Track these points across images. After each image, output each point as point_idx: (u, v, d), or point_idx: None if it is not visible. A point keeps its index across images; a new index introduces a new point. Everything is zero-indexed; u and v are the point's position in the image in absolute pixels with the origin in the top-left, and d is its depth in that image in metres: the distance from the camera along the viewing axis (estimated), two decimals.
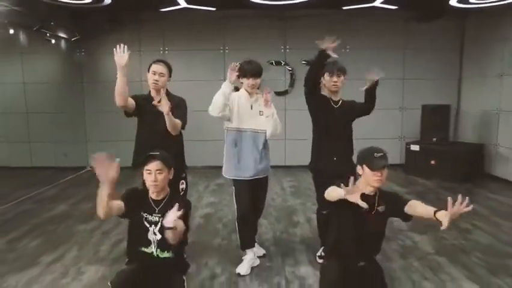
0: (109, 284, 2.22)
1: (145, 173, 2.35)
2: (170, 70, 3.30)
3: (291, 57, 7.80)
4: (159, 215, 2.32)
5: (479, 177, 6.84)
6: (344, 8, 6.40)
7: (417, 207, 2.28)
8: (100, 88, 7.78)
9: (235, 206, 3.37)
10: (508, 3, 5.65)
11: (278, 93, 7.79)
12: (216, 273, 3.33)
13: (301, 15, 7.26)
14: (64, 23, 6.80)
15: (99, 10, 6.09)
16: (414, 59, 7.84)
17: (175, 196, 2.48)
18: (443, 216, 2.03)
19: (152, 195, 2.38)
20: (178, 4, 5.94)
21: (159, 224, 2.30)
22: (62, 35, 7.08)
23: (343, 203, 2.20)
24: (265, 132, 3.29)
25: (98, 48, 7.78)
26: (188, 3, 5.94)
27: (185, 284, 2.39)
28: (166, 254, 2.34)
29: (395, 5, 6.13)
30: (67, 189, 6.42)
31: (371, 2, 5.95)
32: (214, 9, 6.46)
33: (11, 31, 6.02)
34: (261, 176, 3.36)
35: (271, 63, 7.75)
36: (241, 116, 3.26)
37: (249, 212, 3.32)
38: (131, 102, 3.10)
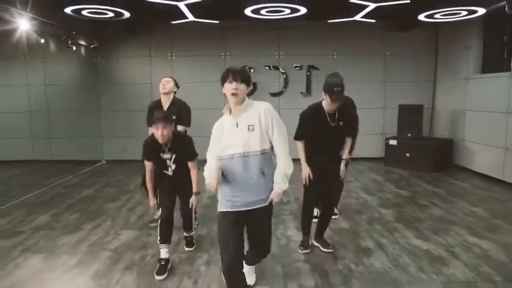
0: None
1: (154, 128, 3.33)
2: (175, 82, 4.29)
3: (284, 62, 8.78)
4: (170, 153, 3.47)
5: (448, 167, 7.84)
6: (329, 21, 7.35)
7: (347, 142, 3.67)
8: (114, 89, 8.75)
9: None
10: (470, 18, 6.63)
11: (273, 94, 8.76)
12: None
13: (293, 26, 8.21)
14: (84, 31, 7.72)
15: (116, 21, 7.01)
16: (394, 64, 8.82)
17: (177, 137, 3.52)
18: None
19: (161, 140, 3.39)
20: (187, 18, 6.87)
21: (172, 158, 3.48)
22: (82, 42, 8.01)
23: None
24: (259, 154, 2.51)
25: (113, 54, 8.75)
26: (195, 17, 6.88)
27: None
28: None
29: (373, 19, 7.09)
30: (88, 179, 7.34)
31: (352, 17, 6.91)
32: (217, 21, 7.39)
33: (42, 40, 6.95)
34: (257, 206, 2.56)
35: (269, 68, 8.72)
36: (228, 141, 2.54)
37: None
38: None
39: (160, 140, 3.37)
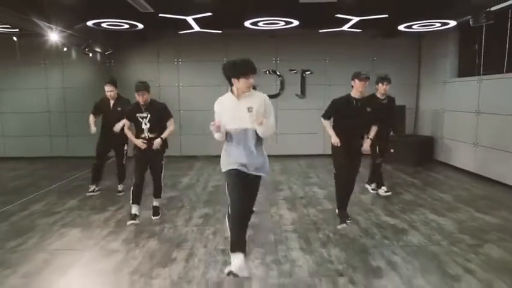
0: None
1: (136, 94, 4.58)
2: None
3: (281, 67, 9.65)
4: (146, 112, 4.65)
5: (428, 162, 8.69)
6: (320, 31, 8.20)
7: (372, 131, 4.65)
8: (126, 92, 9.55)
9: (229, 201, 3.40)
10: (443, 29, 7.48)
11: (271, 96, 9.57)
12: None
13: (289, 33, 9.05)
14: (101, 40, 8.59)
15: (130, 31, 7.86)
16: (381, 68, 9.61)
17: (154, 102, 4.75)
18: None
19: (141, 102, 4.64)
20: (193, 28, 7.74)
21: (148, 117, 4.64)
22: (98, 49, 8.88)
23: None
24: (254, 129, 3.28)
25: (125, 60, 9.63)
26: (200, 28, 7.74)
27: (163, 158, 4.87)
28: (153, 135, 4.70)
29: (360, 29, 7.94)
30: (104, 172, 8.18)
31: (340, 27, 7.77)
32: (220, 31, 8.25)
33: (64, 49, 7.81)
34: (254, 174, 3.38)
35: (268, 72, 9.58)
36: (230, 117, 3.31)
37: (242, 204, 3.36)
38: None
39: (141, 102, 4.61)
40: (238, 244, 3.23)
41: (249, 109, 3.24)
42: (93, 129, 5.99)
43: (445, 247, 4.01)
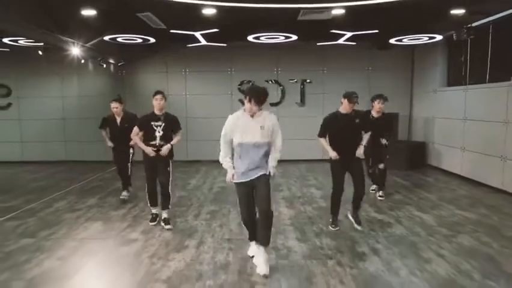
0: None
1: (154, 99, 4.92)
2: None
3: (282, 77, 10.29)
4: (161, 121, 4.94)
5: (420, 166, 9.25)
6: (318, 44, 8.84)
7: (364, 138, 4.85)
8: (136, 100, 10.22)
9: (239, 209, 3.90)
10: (430, 42, 8.10)
11: (272, 104, 10.23)
12: (230, 211, 5.73)
13: (289, 45, 9.69)
14: (114, 52, 9.26)
15: (141, 44, 8.54)
16: (376, 77, 10.26)
17: (168, 114, 5.06)
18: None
19: (157, 112, 4.94)
20: (200, 42, 8.39)
21: (162, 125, 4.93)
22: (111, 61, 9.55)
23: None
24: (267, 144, 3.73)
25: (136, 70, 10.31)
26: (207, 42, 8.40)
27: (171, 164, 5.10)
28: (163, 143, 4.98)
29: (354, 42, 8.57)
30: (117, 175, 8.79)
31: (336, 41, 8.40)
32: (225, 44, 8.91)
33: (82, 61, 8.47)
34: (259, 174, 3.71)
35: (270, 82, 10.20)
36: (244, 132, 3.67)
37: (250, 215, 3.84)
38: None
39: (157, 108, 4.93)
40: (253, 236, 3.89)
41: (261, 127, 3.68)
42: (110, 143, 6.43)
43: (423, 237, 4.57)
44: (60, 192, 7.06)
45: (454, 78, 8.79)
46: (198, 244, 4.40)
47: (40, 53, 7.27)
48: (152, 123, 4.99)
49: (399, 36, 7.69)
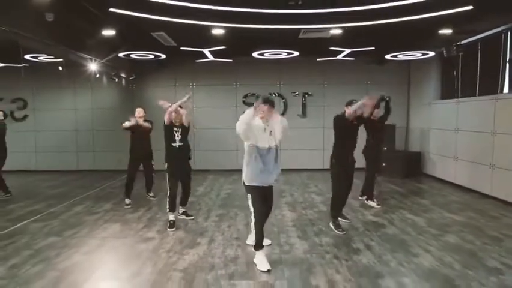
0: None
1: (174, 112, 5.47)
2: None
3: (284, 90, 10.83)
4: (179, 128, 5.53)
5: (416, 174, 9.70)
6: (318, 59, 9.40)
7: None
8: (146, 111, 10.78)
9: (252, 209, 4.21)
10: (423, 58, 8.63)
11: None
12: (236, 214, 6.20)
13: (291, 61, 10.26)
14: (126, 67, 9.84)
15: (152, 60, 9.12)
16: (375, 90, 10.73)
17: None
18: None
19: (175, 121, 5.50)
20: (208, 58, 8.97)
21: (179, 131, 5.53)
22: (123, 75, 10.12)
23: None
24: (275, 148, 4.12)
25: (146, 84, 10.88)
26: (214, 57, 8.97)
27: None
28: (182, 144, 5.55)
29: (352, 57, 9.12)
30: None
31: (335, 56, 8.95)
32: (231, 60, 9.48)
33: (97, 75, 9.04)
34: (272, 184, 4.29)
35: (273, 95, 10.73)
36: (259, 137, 4.08)
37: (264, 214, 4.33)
38: None
39: (174, 117, 5.47)
40: (261, 244, 4.14)
41: (270, 132, 4.12)
42: (133, 120, 6.72)
43: (413, 236, 5.02)
44: (77, 198, 7.54)
45: (447, 92, 9.31)
46: (209, 241, 4.87)
47: (60, 68, 7.83)
48: (174, 128, 5.55)
49: (394, 52, 8.24)
